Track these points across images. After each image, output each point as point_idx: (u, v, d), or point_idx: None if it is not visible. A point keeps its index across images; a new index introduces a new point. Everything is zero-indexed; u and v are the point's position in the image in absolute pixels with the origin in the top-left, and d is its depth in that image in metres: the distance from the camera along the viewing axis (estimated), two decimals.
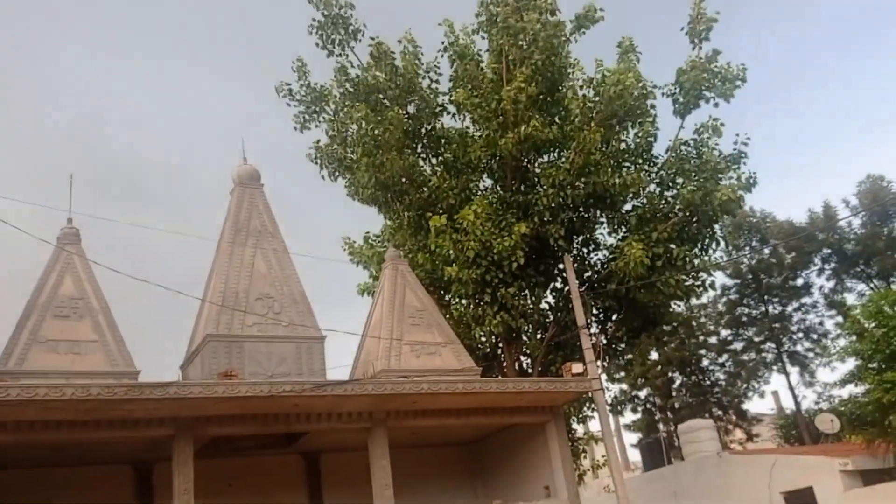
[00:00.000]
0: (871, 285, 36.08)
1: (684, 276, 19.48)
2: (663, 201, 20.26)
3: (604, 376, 19.35)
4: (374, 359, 16.11)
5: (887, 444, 17.47)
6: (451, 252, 18.73)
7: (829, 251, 36.86)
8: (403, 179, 20.29)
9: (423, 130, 21.07)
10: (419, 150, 21.21)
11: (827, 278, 37.72)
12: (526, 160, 20.53)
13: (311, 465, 16.33)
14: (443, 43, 20.92)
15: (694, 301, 26.14)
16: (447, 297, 21.59)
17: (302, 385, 12.92)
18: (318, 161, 21.84)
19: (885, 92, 74.18)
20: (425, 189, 20.56)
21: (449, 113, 21.58)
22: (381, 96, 20.49)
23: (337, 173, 21.90)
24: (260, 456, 15.45)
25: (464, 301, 20.88)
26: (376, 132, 19.41)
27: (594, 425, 25.61)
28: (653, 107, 20.06)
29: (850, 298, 36.39)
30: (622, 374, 36.23)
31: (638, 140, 20.52)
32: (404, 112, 20.34)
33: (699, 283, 20.25)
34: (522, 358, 21.75)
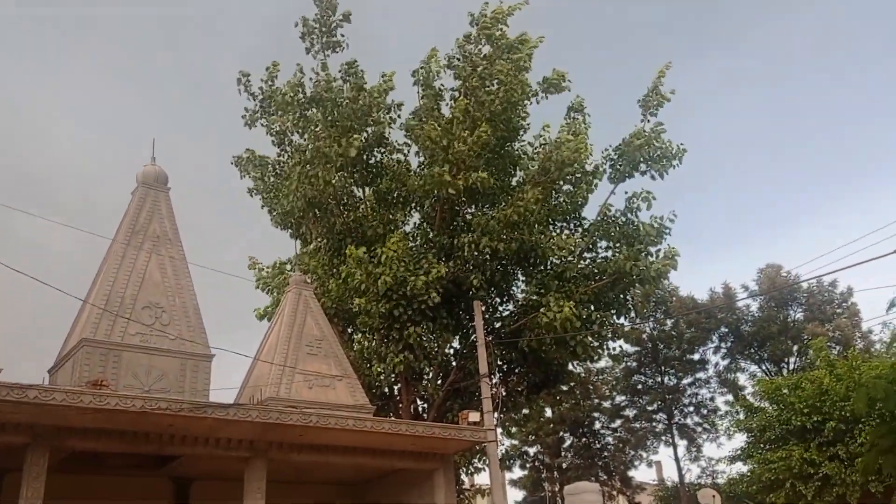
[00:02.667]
0: (763, 367, 37.25)
1: (596, 339, 19.49)
2: (584, 262, 20.35)
3: (499, 428, 18.93)
4: (263, 385, 15.19)
5: None
6: (363, 283, 18.16)
7: (726, 330, 37.97)
8: (331, 199, 19.79)
9: (365, 158, 20.63)
10: (355, 175, 20.72)
11: (722, 356, 38.82)
12: (460, 205, 20.30)
13: (181, 491, 15.14)
14: (422, 66, 20.65)
15: (593, 364, 26.31)
16: (350, 330, 20.96)
17: (179, 404, 11.90)
18: (244, 170, 21.40)
19: (783, 190, 78.10)
20: (351, 214, 20.10)
21: (397, 149, 21.28)
22: (335, 113, 20.06)
23: (261, 185, 21.38)
24: (126, 476, 14.23)
25: (367, 335, 20.23)
26: (325, 146, 18.91)
27: (481, 478, 25.18)
28: (594, 176, 20.29)
29: (742, 378, 37.52)
30: (515, 428, 36.02)
31: (569, 201, 20.62)
32: (358, 137, 19.96)
33: (605, 346, 20.26)
34: (419, 401, 21.21)
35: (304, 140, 19.91)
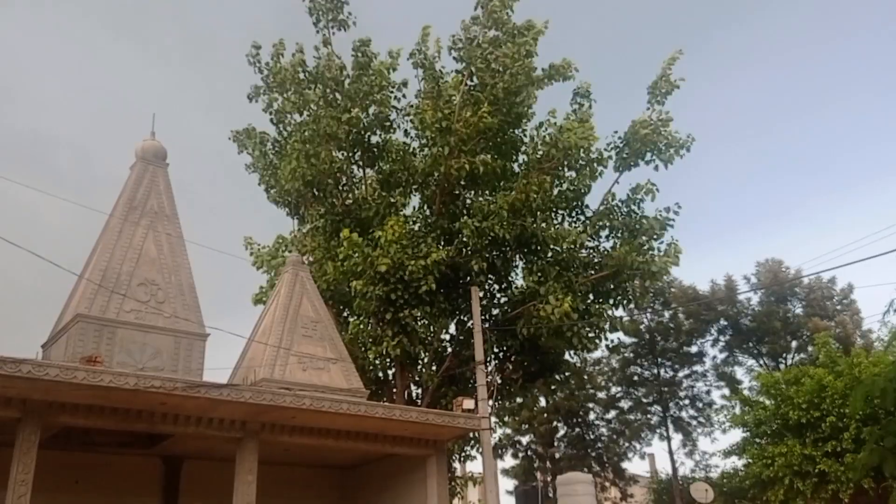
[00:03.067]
0: (761, 362, 37.15)
1: (594, 329, 19.38)
2: (586, 251, 20.20)
3: (493, 416, 18.85)
4: (257, 366, 15.09)
5: None
6: (360, 266, 18.04)
7: (725, 323, 37.83)
8: (330, 180, 19.66)
9: (367, 138, 20.47)
10: (356, 156, 20.57)
11: (720, 350, 38.68)
12: (460, 189, 20.15)
13: (172, 470, 15.11)
14: (417, 45, 20.47)
15: (590, 354, 26.23)
16: (346, 314, 20.86)
17: (173, 382, 11.80)
18: (243, 146, 21.29)
19: (786, 183, 77.85)
20: (350, 196, 19.97)
21: (398, 129, 21.21)
22: (336, 90, 19.86)
23: (260, 163, 21.25)
24: (115, 454, 14.17)
25: (363, 319, 20.13)
26: (324, 123, 18.78)
27: (473, 466, 25.15)
28: (599, 163, 20.08)
29: (739, 372, 37.43)
30: (509, 417, 36.00)
31: (573, 188, 20.43)
32: (357, 116, 19.80)
33: (603, 337, 20.16)
34: (413, 386, 21.13)
35: (305, 118, 19.74)
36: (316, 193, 20.22)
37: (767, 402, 18.41)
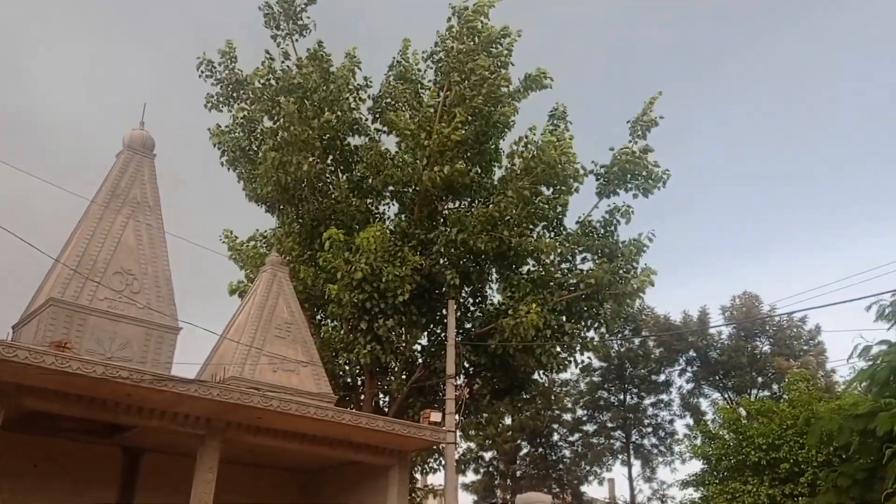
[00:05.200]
0: (725, 396, 37.53)
1: (565, 349, 19.54)
2: (561, 272, 20.39)
3: (459, 431, 18.91)
4: (227, 363, 15.05)
5: None
6: (337, 271, 18.06)
7: (694, 354, 38.19)
8: (305, 185, 19.65)
9: (339, 143, 20.52)
10: (329, 161, 20.60)
11: (687, 380, 39.03)
12: (438, 198, 20.26)
13: (131, 461, 14.97)
14: (394, 58, 20.61)
15: (558, 375, 26.40)
16: (319, 317, 20.84)
17: (141, 374, 11.77)
18: (220, 146, 21.14)
19: (762, 220, 78.87)
20: (326, 201, 19.98)
21: (366, 134, 21.23)
22: (305, 99, 19.90)
23: (237, 163, 21.13)
24: (77, 441, 14.06)
25: (337, 324, 20.14)
26: (296, 131, 18.76)
27: (434, 478, 25.20)
28: (576, 179, 20.30)
29: (704, 404, 37.79)
30: (473, 432, 36.06)
31: (551, 204, 20.63)
32: (328, 120, 19.87)
33: (573, 358, 20.32)
34: (381, 395, 21.15)
35: (276, 125, 19.68)
36: (291, 198, 20.18)
37: (728, 437, 18.62)
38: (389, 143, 21.19)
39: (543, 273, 20.19)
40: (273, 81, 20.35)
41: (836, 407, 15.59)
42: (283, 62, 20.66)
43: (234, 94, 21.04)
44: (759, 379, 36.98)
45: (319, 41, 20.58)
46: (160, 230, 15.71)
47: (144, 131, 16.46)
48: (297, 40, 20.56)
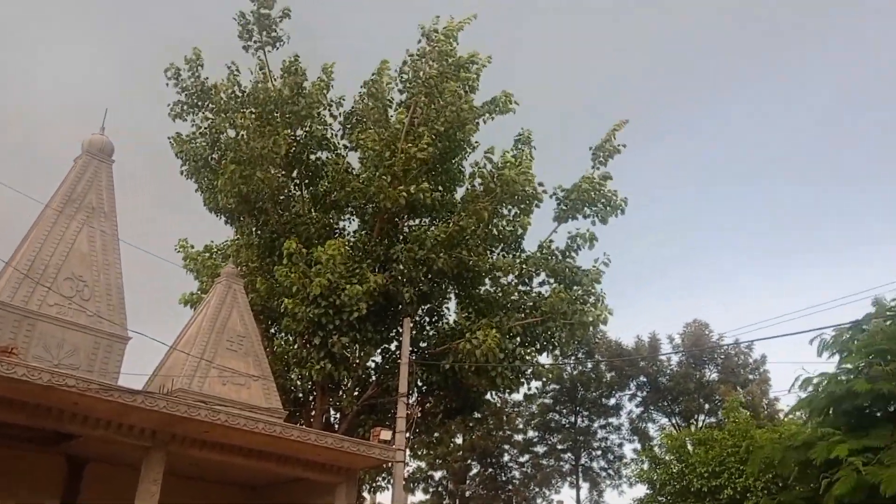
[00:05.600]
0: (673, 421, 38.10)
1: (519, 373, 19.69)
2: (518, 294, 20.60)
3: (409, 450, 18.93)
4: (175, 375, 14.90)
5: None
6: (294, 285, 18.00)
7: (644, 379, 38.74)
8: (266, 197, 19.61)
9: (305, 157, 20.50)
10: (293, 174, 20.56)
11: (636, 405, 39.55)
12: (399, 215, 20.36)
13: (74, 470, 14.69)
14: (371, 77, 20.67)
15: (510, 396, 26.58)
16: (273, 330, 20.73)
17: (87, 383, 11.62)
18: (181, 155, 21.00)
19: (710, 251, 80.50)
20: (287, 214, 19.94)
21: (334, 150, 21.29)
22: (274, 111, 19.85)
23: (199, 173, 20.98)
24: (19, 449, 13.77)
25: (290, 338, 20.05)
26: (259, 145, 18.72)
27: (382, 497, 25.10)
28: (538, 205, 20.59)
29: (652, 429, 38.32)
30: (423, 451, 36.04)
31: (510, 228, 20.85)
32: (292, 135, 19.84)
33: (526, 380, 20.50)
34: (332, 411, 21.07)
35: (240, 137, 19.59)
36: (252, 209, 20.09)
37: (673, 464, 18.97)
38: (355, 158, 21.33)
39: (500, 294, 20.38)
40: (238, 93, 20.28)
41: (776, 436, 16.01)
42: (251, 75, 20.59)
43: (199, 103, 20.90)
44: (706, 405, 37.62)
45: (296, 55, 20.58)
46: (114, 237, 15.53)
47: (104, 136, 16.30)
48: (269, 52, 20.53)
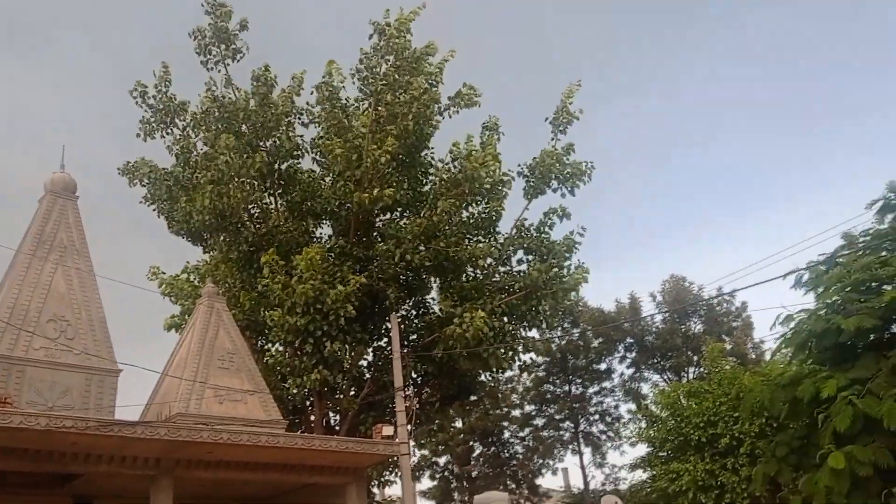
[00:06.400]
0: (665, 377, 38.65)
1: (509, 350, 19.89)
2: (499, 275, 20.75)
3: (412, 440, 19.09)
4: (171, 400, 14.94)
5: None
6: (278, 295, 18.01)
7: (631, 341, 39.20)
8: (242, 212, 19.55)
9: (276, 167, 20.41)
10: (267, 185, 20.46)
11: (627, 366, 40.06)
12: (373, 215, 20.39)
13: None
14: (323, 78, 20.54)
15: (503, 374, 26.86)
16: (260, 343, 20.75)
17: (85, 422, 11.63)
18: (137, 179, 20.82)
19: (689, 200, 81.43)
20: (263, 226, 19.88)
21: (307, 155, 21.23)
22: (243, 125, 19.72)
23: (169, 193, 20.73)
24: (24, 494, 13.75)
25: (280, 349, 20.08)
26: (236, 161, 18.64)
27: (391, 490, 25.33)
28: (506, 187, 20.63)
29: (645, 388, 38.86)
30: (426, 439, 36.29)
31: (484, 215, 20.94)
32: (264, 147, 19.75)
33: (517, 357, 20.71)
34: (331, 414, 21.18)
35: (214, 153, 19.45)
36: (228, 225, 19.97)
37: (668, 419, 19.33)
38: (322, 163, 21.25)
39: (482, 278, 20.53)
40: (215, 110, 20.08)
41: (764, 378, 16.33)
42: (215, 90, 20.35)
43: (168, 120, 20.61)
44: (695, 357, 38.17)
45: (266, 65, 20.42)
46: (90, 273, 15.49)
47: (66, 174, 16.22)
48: (228, 65, 20.34)
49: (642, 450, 20.78)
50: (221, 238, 20.40)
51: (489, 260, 20.74)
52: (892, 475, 10.25)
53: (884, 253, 12.50)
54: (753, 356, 34.41)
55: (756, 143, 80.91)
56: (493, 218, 21.04)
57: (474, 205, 20.79)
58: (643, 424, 21.39)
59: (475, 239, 20.97)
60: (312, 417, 20.24)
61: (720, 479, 17.51)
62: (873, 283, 12.18)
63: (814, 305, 13.23)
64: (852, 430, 10.71)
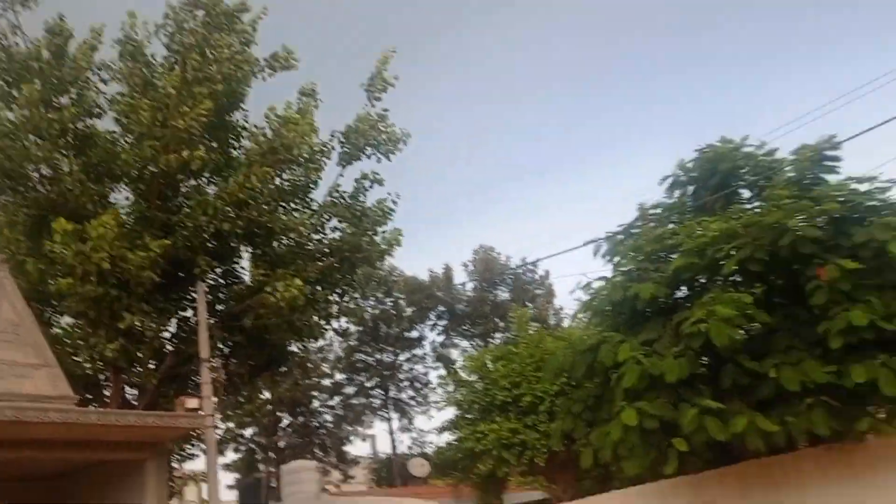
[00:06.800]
0: (473, 343, 40.16)
1: (322, 317, 19.70)
2: (312, 243, 20.41)
3: (218, 413, 18.49)
4: None
5: (471, 488, 19.30)
6: (71, 262, 16.61)
7: (443, 309, 40.34)
8: (31, 171, 17.81)
9: (73, 126, 18.67)
10: (60, 144, 18.70)
11: (438, 334, 41.24)
12: (177, 180, 19.25)
13: None
14: (124, 31, 18.95)
15: (313, 344, 26.69)
16: (48, 315, 19.15)
17: None
18: None
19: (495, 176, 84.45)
20: (56, 188, 18.20)
21: (105, 115, 19.59)
22: (35, 79, 17.83)
23: None
24: None
25: (71, 320, 18.65)
26: (36, 116, 16.85)
27: (193, 465, 24.51)
28: (324, 156, 20.21)
29: (455, 353, 40.21)
30: (232, 411, 35.39)
31: (300, 182, 20.43)
32: (57, 103, 18.00)
33: (329, 324, 20.62)
34: (129, 387, 20.04)
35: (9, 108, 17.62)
36: (14, 186, 18.19)
37: (476, 382, 20.04)
38: (123, 123, 19.73)
39: (295, 246, 20.11)
40: (3, 61, 17.99)
41: (565, 344, 17.28)
42: (3, 39, 18.28)
43: None
44: (502, 324, 39.92)
45: (61, 15, 18.50)
46: None
47: None
48: (19, 13, 18.34)
49: (450, 413, 21.37)
50: (5, 199, 18.53)
51: (303, 228, 20.37)
52: (672, 429, 11.15)
53: (671, 225, 13.52)
54: (554, 321, 36.49)
55: (566, 110, 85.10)
56: (309, 186, 20.64)
57: (289, 171, 20.27)
58: (451, 388, 22.03)
59: (290, 207, 20.48)
60: (108, 393, 19.03)
61: (522, 437, 18.39)
62: (662, 253, 13.13)
63: (611, 273, 14.06)
64: (639, 387, 11.54)
